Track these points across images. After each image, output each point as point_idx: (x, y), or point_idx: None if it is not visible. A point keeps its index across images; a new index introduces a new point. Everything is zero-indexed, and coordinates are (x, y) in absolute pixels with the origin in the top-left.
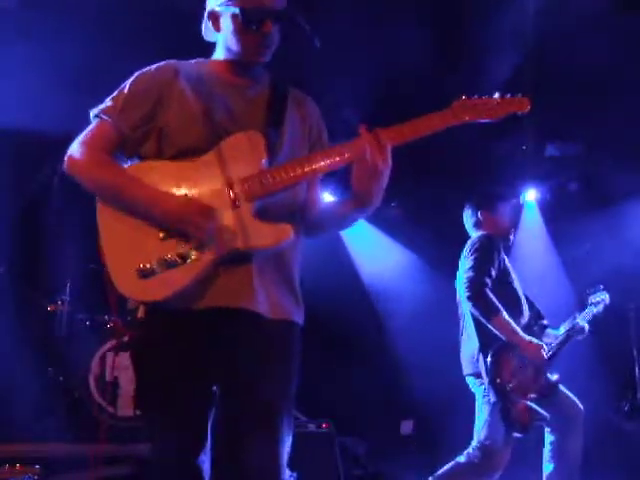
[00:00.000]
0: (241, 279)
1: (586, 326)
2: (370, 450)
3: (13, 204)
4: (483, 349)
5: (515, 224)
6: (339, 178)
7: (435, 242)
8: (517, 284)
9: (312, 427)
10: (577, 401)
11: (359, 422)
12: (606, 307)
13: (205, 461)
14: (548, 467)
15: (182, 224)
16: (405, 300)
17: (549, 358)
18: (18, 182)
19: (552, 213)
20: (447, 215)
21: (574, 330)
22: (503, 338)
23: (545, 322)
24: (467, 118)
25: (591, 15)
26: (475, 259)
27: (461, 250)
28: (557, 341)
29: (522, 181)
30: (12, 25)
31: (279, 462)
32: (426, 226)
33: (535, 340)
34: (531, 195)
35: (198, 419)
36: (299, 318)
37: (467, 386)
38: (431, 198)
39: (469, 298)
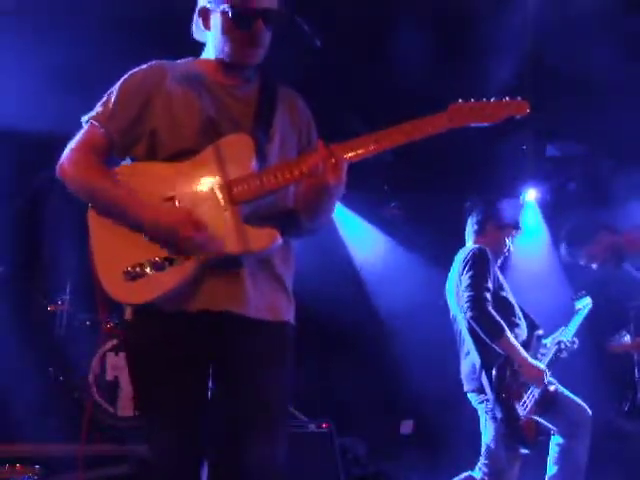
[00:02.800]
0: (233, 282)
1: (576, 340)
2: (370, 450)
3: (13, 204)
4: (485, 365)
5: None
6: None
7: (435, 242)
8: (510, 295)
9: (312, 427)
10: (585, 406)
11: (359, 422)
12: (590, 311)
13: (203, 461)
14: (552, 469)
15: (170, 237)
16: (405, 300)
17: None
18: (18, 182)
19: (552, 213)
20: (447, 215)
21: (561, 350)
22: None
23: (540, 332)
24: (463, 122)
25: (591, 16)
26: (472, 276)
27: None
28: (547, 360)
29: (522, 181)
30: (11, 26)
31: (278, 461)
32: (426, 226)
33: (538, 364)
34: (531, 195)
35: (195, 419)
36: (291, 317)
37: None
38: (431, 198)
39: (473, 318)
